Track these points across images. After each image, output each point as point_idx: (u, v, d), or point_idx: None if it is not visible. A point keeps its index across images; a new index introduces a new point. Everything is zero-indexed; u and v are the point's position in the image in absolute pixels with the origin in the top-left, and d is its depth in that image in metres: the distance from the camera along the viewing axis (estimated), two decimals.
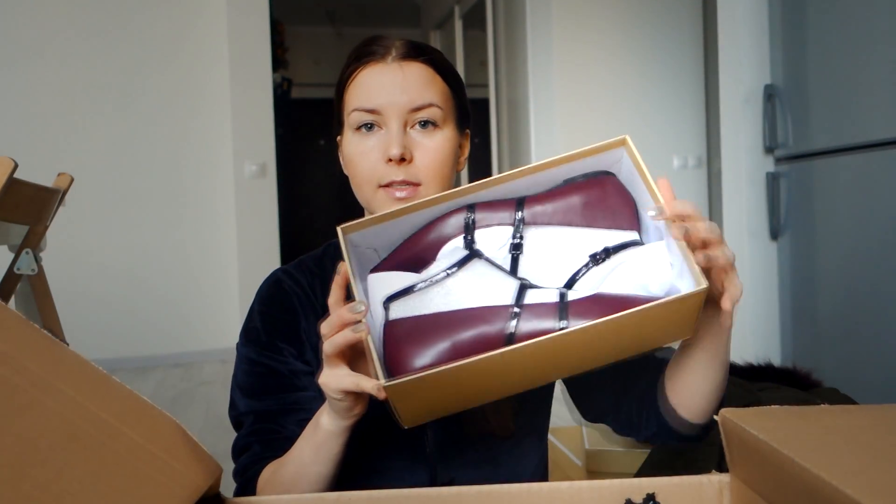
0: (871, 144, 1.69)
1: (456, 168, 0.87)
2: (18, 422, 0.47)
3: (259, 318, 0.88)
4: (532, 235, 0.73)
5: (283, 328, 0.87)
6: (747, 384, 1.36)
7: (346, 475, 0.78)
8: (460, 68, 5.16)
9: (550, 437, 1.68)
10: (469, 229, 0.73)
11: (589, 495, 0.63)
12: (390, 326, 0.68)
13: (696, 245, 0.65)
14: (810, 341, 1.94)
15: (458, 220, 0.73)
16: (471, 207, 0.74)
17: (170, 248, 4.15)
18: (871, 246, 1.70)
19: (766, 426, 0.54)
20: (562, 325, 0.63)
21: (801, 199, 1.94)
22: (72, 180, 1.85)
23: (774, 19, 2.00)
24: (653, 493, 0.63)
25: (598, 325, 0.61)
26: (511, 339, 0.64)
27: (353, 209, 0.90)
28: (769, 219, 2.03)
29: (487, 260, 0.71)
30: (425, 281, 0.70)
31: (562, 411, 1.68)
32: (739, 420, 0.57)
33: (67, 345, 0.53)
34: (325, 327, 0.67)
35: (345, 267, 0.69)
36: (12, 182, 1.39)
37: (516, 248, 0.72)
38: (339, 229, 0.72)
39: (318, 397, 0.71)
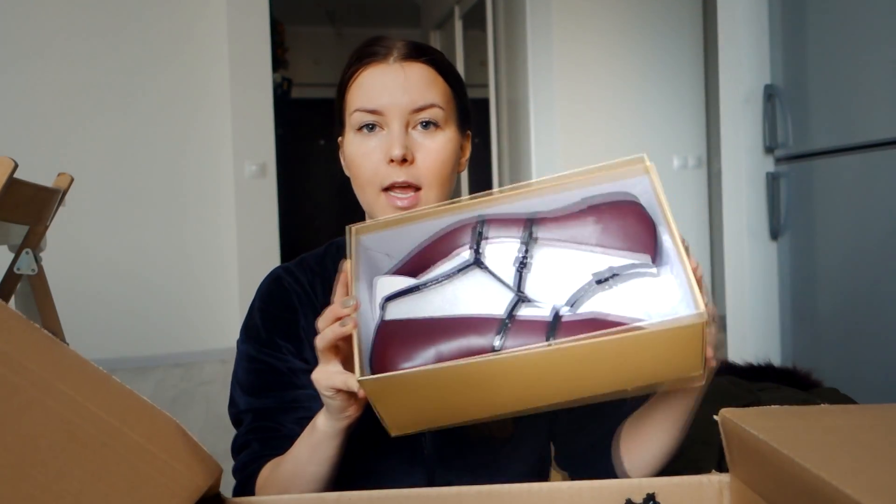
0: (871, 144, 1.69)
1: (457, 169, 0.87)
2: (18, 422, 0.47)
3: (259, 315, 0.88)
4: (542, 254, 0.72)
5: (282, 326, 0.87)
6: (747, 384, 1.36)
7: (344, 475, 0.78)
8: (460, 68, 5.15)
9: None
10: (479, 242, 0.73)
11: (589, 495, 0.63)
12: (383, 326, 0.68)
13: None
14: (810, 341, 1.94)
15: (469, 233, 0.74)
16: (483, 221, 0.74)
17: (170, 248, 4.15)
18: (871, 246, 1.70)
19: (766, 426, 0.54)
20: (550, 342, 0.61)
21: (801, 199, 1.94)
22: (72, 180, 1.85)
23: (774, 19, 2.00)
24: (653, 493, 0.63)
25: (584, 345, 0.58)
26: (497, 351, 0.63)
27: (354, 209, 0.90)
28: (769, 219, 2.03)
29: (488, 271, 0.71)
30: (424, 284, 0.71)
31: None
32: (739, 420, 0.57)
33: (67, 345, 0.54)
34: (320, 322, 0.68)
35: (346, 265, 0.69)
36: (12, 182, 1.39)
37: (523, 265, 0.72)
38: (351, 228, 0.72)
39: (317, 396, 0.71)
